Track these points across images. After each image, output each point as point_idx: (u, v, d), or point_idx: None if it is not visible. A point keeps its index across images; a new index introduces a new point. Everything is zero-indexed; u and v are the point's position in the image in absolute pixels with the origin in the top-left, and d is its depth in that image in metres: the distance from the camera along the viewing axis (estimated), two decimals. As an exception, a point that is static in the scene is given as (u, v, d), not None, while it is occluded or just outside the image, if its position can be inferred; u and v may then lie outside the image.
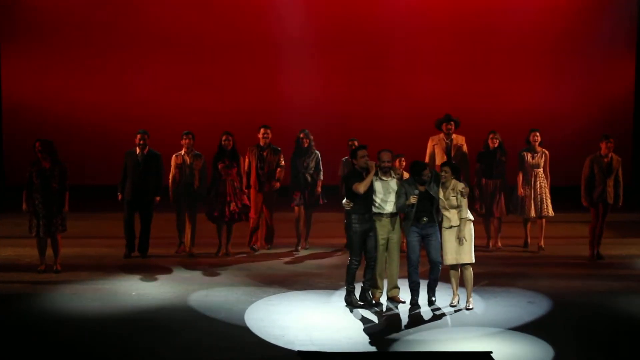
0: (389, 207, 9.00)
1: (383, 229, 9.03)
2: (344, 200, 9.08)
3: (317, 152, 11.73)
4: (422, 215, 8.90)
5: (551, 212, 11.50)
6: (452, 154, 11.45)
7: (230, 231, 11.42)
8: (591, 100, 16.95)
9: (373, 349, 7.67)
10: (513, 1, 16.84)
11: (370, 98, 16.74)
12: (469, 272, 9.00)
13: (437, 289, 9.11)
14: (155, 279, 10.13)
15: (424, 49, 16.71)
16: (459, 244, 8.89)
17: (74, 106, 16.62)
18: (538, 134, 11.52)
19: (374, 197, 9.01)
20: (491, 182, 11.51)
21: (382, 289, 9.17)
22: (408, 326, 8.35)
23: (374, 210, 9.03)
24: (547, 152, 11.55)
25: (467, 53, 16.77)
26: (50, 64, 16.71)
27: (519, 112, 16.26)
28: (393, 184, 9.02)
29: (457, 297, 9.05)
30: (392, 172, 9.06)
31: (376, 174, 8.99)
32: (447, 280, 9.17)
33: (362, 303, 9.00)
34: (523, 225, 11.84)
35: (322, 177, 11.71)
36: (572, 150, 14.74)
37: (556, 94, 16.87)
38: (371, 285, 9.14)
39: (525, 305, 8.98)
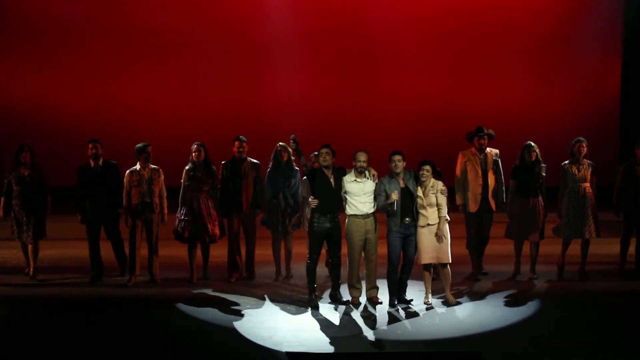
0: (365, 208, 9.00)
1: (359, 230, 9.02)
2: (310, 198, 9.10)
3: (297, 169, 10.14)
4: (405, 216, 8.91)
5: (594, 234, 10.08)
6: (488, 171, 10.17)
7: (206, 252, 10.19)
8: (578, 100, 17.05)
9: (360, 349, 7.66)
10: (501, 2, 16.91)
11: (359, 98, 16.79)
12: (447, 270, 9.11)
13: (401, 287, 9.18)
14: (142, 282, 10.08)
15: (412, 49, 16.77)
16: (438, 241, 8.92)
17: (63, 108, 16.62)
18: (585, 144, 10.13)
19: (348, 198, 9.02)
20: (528, 201, 10.11)
21: (360, 290, 9.18)
22: (392, 326, 8.35)
23: (349, 211, 9.03)
24: (593, 163, 10.22)
25: (454, 53, 16.84)
26: (37, 66, 16.68)
27: (506, 112, 16.35)
28: (368, 185, 9.01)
29: (430, 294, 9.11)
30: (366, 173, 9.04)
31: (349, 175, 9.01)
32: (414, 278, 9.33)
33: (345, 300, 9.10)
34: (562, 248, 10.36)
35: (301, 199, 10.09)
36: (559, 150, 14.74)
37: (543, 94, 16.98)
38: (339, 284, 9.19)
39: (513, 305, 9.00)
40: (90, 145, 10.11)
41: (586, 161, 10.17)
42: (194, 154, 10.01)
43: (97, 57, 16.66)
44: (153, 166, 10.10)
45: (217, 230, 10.07)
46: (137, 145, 10.08)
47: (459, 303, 9.03)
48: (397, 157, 8.95)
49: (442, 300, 9.10)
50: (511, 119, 16.08)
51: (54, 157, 15.09)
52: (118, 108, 16.62)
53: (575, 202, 10.08)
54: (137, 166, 10.03)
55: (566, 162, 10.23)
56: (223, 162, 10.22)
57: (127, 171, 10.01)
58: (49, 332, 8.12)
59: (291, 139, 8.83)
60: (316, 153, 9.56)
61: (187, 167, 10.05)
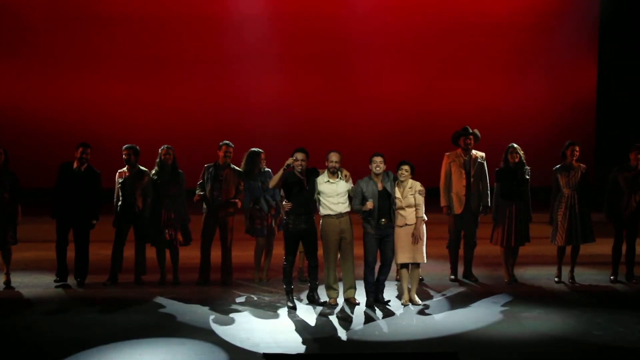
0: (338, 208, 9.04)
1: (334, 230, 9.07)
2: (284, 202, 9.13)
3: (269, 170, 10.16)
4: (381, 217, 8.95)
5: (590, 239, 10.01)
6: (472, 172, 10.07)
7: (175, 257, 10.06)
8: (555, 100, 17.18)
9: (337, 350, 7.69)
10: (479, 4, 17.00)
11: (337, 100, 16.83)
12: (418, 271, 9.21)
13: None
14: (120, 283, 10.08)
15: (389, 50, 16.83)
16: (414, 242, 8.96)
17: (41, 108, 16.52)
18: (578, 148, 9.97)
19: (321, 199, 9.05)
20: (512, 205, 9.89)
21: (337, 290, 9.23)
22: (369, 327, 8.38)
23: (323, 212, 9.08)
24: (584, 166, 10.06)
25: (432, 55, 16.93)
26: (17, 66, 16.57)
27: (484, 112, 16.42)
28: (341, 185, 9.05)
29: (407, 295, 9.14)
30: (339, 173, 9.07)
31: (322, 176, 9.04)
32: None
33: (323, 301, 9.15)
34: (557, 255, 10.17)
35: (280, 197, 9.78)
36: (537, 150, 14.79)
37: (520, 94, 17.07)
38: (317, 285, 9.23)
39: (489, 306, 9.06)
40: (80, 149, 9.96)
41: (578, 164, 9.99)
42: (163, 156, 9.98)
43: (77, 57, 16.57)
44: (142, 168, 10.08)
45: (179, 236, 9.96)
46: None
47: (419, 305, 9.06)
48: (379, 159, 8.98)
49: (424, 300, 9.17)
50: (489, 120, 16.15)
51: (34, 158, 15.05)
52: (99, 109, 16.55)
53: (566, 207, 9.94)
54: (125, 167, 10.05)
55: (558, 165, 10.09)
56: (206, 165, 10.18)
57: (118, 171, 10.06)
58: (24, 334, 8.07)
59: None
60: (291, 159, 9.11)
61: (153, 171, 10.02)
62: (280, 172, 8.90)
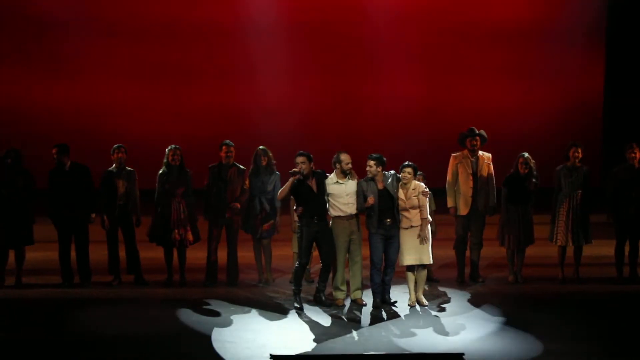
0: (348, 209, 9.03)
1: (344, 231, 9.06)
2: (294, 207, 9.12)
3: (278, 173, 10.08)
4: (385, 217, 8.95)
5: (583, 241, 10.05)
6: (479, 173, 10.07)
7: (182, 257, 10.07)
8: (562, 102, 17.09)
9: (344, 351, 7.66)
10: (484, 6, 16.96)
11: (342, 99, 16.77)
12: (425, 273, 9.21)
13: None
14: (127, 283, 10.10)
15: (396, 49, 16.75)
16: (421, 243, 8.96)
17: (38, 108, 16.48)
18: (580, 150, 9.98)
19: (331, 200, 9.04)
20: (517, 209, 9.96)
21: (345, 292, 9.23)
22: (376, 328, 8.38)
23: (333, 213, 9.06)
24: (586, 168, 10.06)
25: (438, 54, 16.83)
26: (11, 65, 16.54)
27: (489, 113, 16.36)
28: (350, 186, 9.04)
29: (414, 296, 9.15)
30: (349, 174, 9.08)
31: (331, 177, 9.04)
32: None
33: (329, 301, 9.15)
34: (559, 255, 10.26)
35: (279, 204, 9.94)
36: (544, 152, 14.69)
37: (527, 96, 17.00)
38: (325, 286, 9.21)
39: (496, 307, 9.04)
40: (53, 150, 9.98)
41: (581, 166, 10.02)
42: (169, 157, 9.96)
43: (81, 57, 16.55)
44: (129, 168, 10.11)
45: (189, 236, 9.94)
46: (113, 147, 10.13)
47: (425, 305, 9.08)
48: (370, 162, 8.99)
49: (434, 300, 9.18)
50: (495, 121, 16.08)
51: (36, 159, 15.04)
52: (97, 109, 16.52)
53: (568, 208, 9.97)
54: (113, 167, 10.06)
55: (560, 166, 10.11)
56: (210, 166, 10.12)
57: (105, 170, 10.05)
58: (28, 334, 8.10)
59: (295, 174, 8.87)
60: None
61: (160, 171, 10.00)
62: (289, 183, 8.90)
